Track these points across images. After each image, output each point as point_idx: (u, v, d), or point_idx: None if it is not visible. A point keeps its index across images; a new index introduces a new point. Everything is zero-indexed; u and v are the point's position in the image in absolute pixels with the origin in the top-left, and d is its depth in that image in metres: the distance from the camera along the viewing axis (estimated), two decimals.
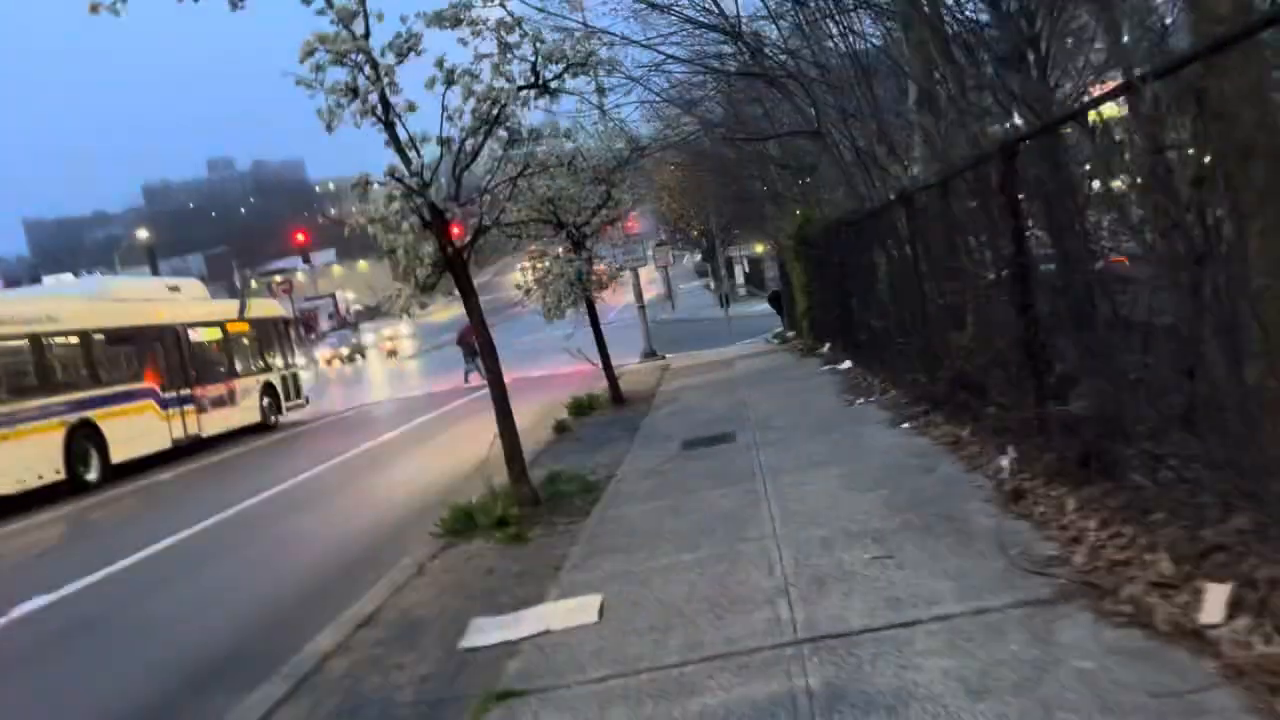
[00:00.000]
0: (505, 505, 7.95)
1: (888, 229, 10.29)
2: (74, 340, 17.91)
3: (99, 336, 18.60)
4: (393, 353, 64.54)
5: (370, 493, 12.53)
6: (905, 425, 8.84)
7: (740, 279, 63.14)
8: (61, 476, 16.50)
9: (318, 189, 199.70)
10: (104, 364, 18.74)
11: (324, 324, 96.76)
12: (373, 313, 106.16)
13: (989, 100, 9.06)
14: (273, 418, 24.52)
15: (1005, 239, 5.76)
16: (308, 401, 27.02)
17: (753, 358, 20.20)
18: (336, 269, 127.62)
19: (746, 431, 10.45)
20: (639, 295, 26.76)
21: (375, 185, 7.82)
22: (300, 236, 46.64)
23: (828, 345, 17.05)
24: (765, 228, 31.06)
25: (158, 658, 6.74)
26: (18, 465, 15.52)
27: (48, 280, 21.30)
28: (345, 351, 67.86)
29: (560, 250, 15.31)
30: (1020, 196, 5.58)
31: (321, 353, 67.99)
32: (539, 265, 15.34)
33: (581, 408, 15.02)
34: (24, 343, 16.56)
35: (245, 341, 24.34)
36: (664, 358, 25.55)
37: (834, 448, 8.67)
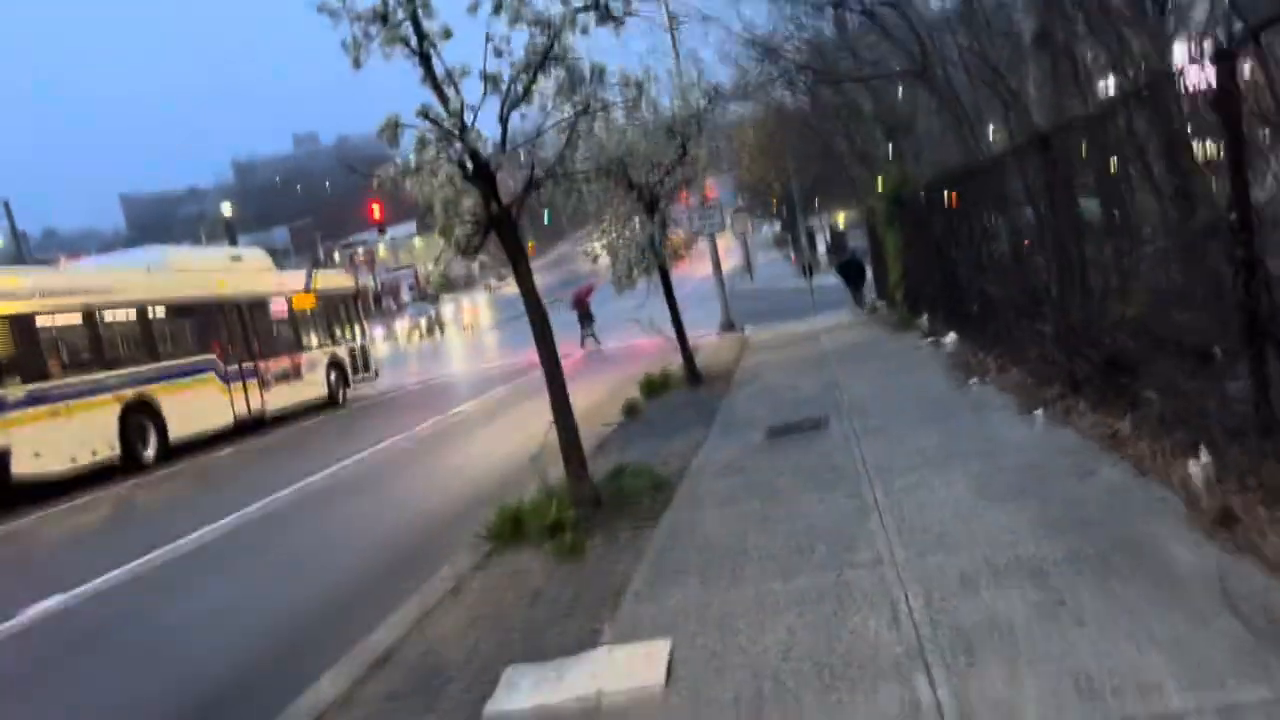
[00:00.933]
0: (560, 509, 6.73)
1: (1012, 182, 8.74)
2: (130, 313, 17.25)
3: (157, 309, 17.94)
4: (470, 325, 64.13)
5: (427, 477, 11.49)
6: (1038, 413, 7.36)
7: (822, 248, 61.11)
8: (116, 455, 15.87)
9: (399, 162, 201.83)
10: (163, 337, 18.10)
11: (405, 296, 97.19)
12: (453, 285, 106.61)
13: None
14: (340, 393, 23.81)
15: (1214, 175, 4.28)
16: (377, 375, 26.30)
17: (840, 331, 18.68)
18: (417, 241, 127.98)
19: (841, 418, 9.07)
20: (716, 264, 25.33)
21: (406, 128, 6.61)
22: (375, 210, 45.92)
23: (925, 317, 15.46)
24: (851, 192, 29.30)
25: (149, 690, 5.71)
26: (70, 443, 14.89)
27: (133, 253, 20.66)
28: (424, 324, 67.72)
29: (632, 214, 14.01)
30: (1240, 115, 4.09)
31: (401, 325, 68.03)
32: (609, 230, 14.06)
33: (654, 386, 13.75)
34: (77, 315, 15.93)
35: (312, 314, 23.62)
36: (743, 331, 24.14)
37: (951, 440, 7.24)
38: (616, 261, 13.81)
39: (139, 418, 16.59)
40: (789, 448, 8.18)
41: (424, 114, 6.56)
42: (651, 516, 6.75)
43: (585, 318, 26.77)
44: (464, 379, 26.21)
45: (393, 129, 6.68)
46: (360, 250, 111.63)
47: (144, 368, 17.07)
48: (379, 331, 66.35)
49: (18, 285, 14.95)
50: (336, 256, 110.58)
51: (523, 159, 7.51)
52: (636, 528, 6.54)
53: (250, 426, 19.78)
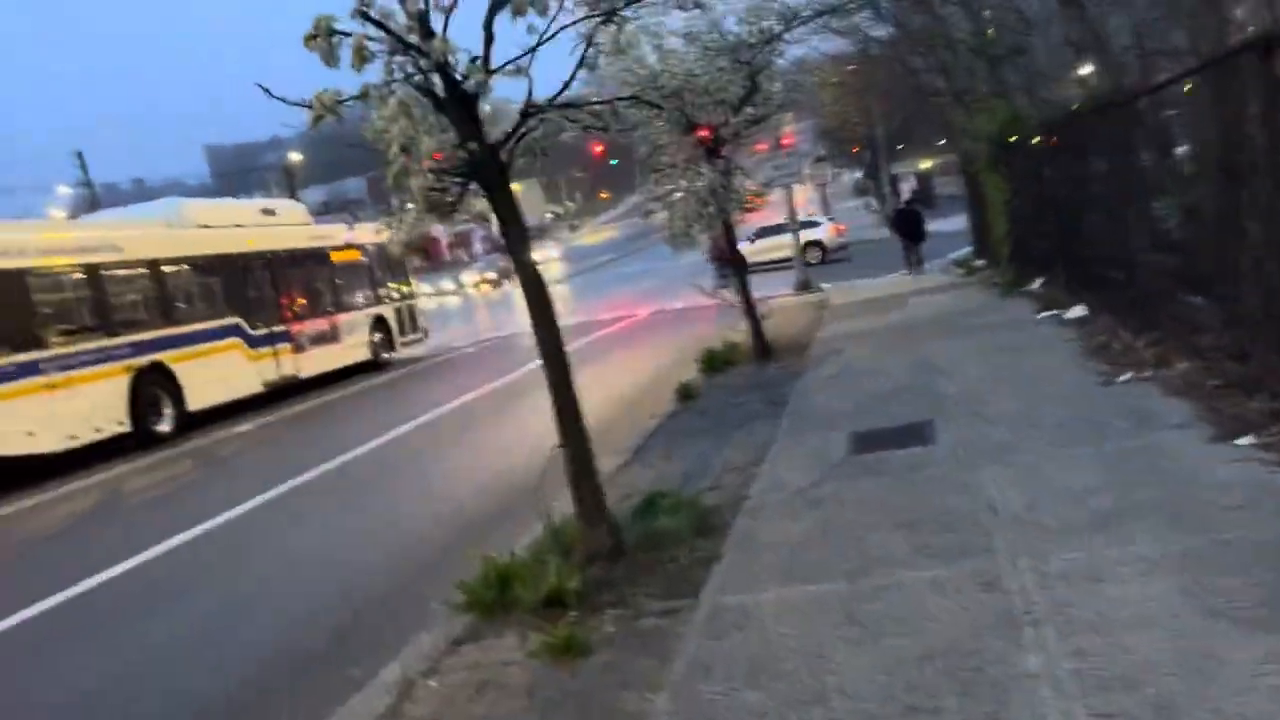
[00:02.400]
0: (561, 573, 4.79)
1: (1192, 112, 6.43)
2: (142, 272, 15.74)
3: (173, 267, 16.40)
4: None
5: (449, 471, 9.73)
6: (1246, 441, 5.16)
7: (907, 197, 57.79)
8: (126, 428, 14.46)
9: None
10: (181, 299, 16.61)
11: (476, 247, 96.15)
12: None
13: None
14: (384, 355, 22.25)
15: None
16: (426, 335, 24.69)
17: (932, 294, 16.33)
18: None
19: (950, 421, 6.95)
20: (793, 219, 22.99)
21: (338, 38, 4.63)
22: (437, 157, 44.31)
23: (1039, 282, 13.10)
24: (943, 136, 26.50)
25: None
26: (69, 418, 13.48)
27: (151, 206, 19.01)
28: (492, 276, 66.30)
29: (691, 161, 11.87)
30: None
31: (469, 277, 66.75)
32: (663, 179, 11.97)
33: (715, 362, 11.69)
34: (79, 275, 14.44)
35: (354, 270, 22.01)
36: (821, 289, 21.87)
37: (1122, 478, 5.08)
38: (673, 216, 11.76)
39: (152, 388, 15.14)
40: (882, 471, 6.09)
41: (363, 11, 4.58)
42: (689, 584, 4.78)
43: (723, 269, 24.24)
44: (525, 338, 24.40)
45: (325, 37, 4.70)
46: None
47: (159, 333, 15.59)
48: (447, 284, 65.33)
49: (7, 242, 13.45)
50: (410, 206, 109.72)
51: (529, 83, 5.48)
52: (667, 608, 4.57)
53: (283, 393, 18.32)
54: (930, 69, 21.01)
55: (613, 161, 41.75)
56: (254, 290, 18.25)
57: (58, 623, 6.67)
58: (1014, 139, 14.04)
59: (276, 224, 19.76)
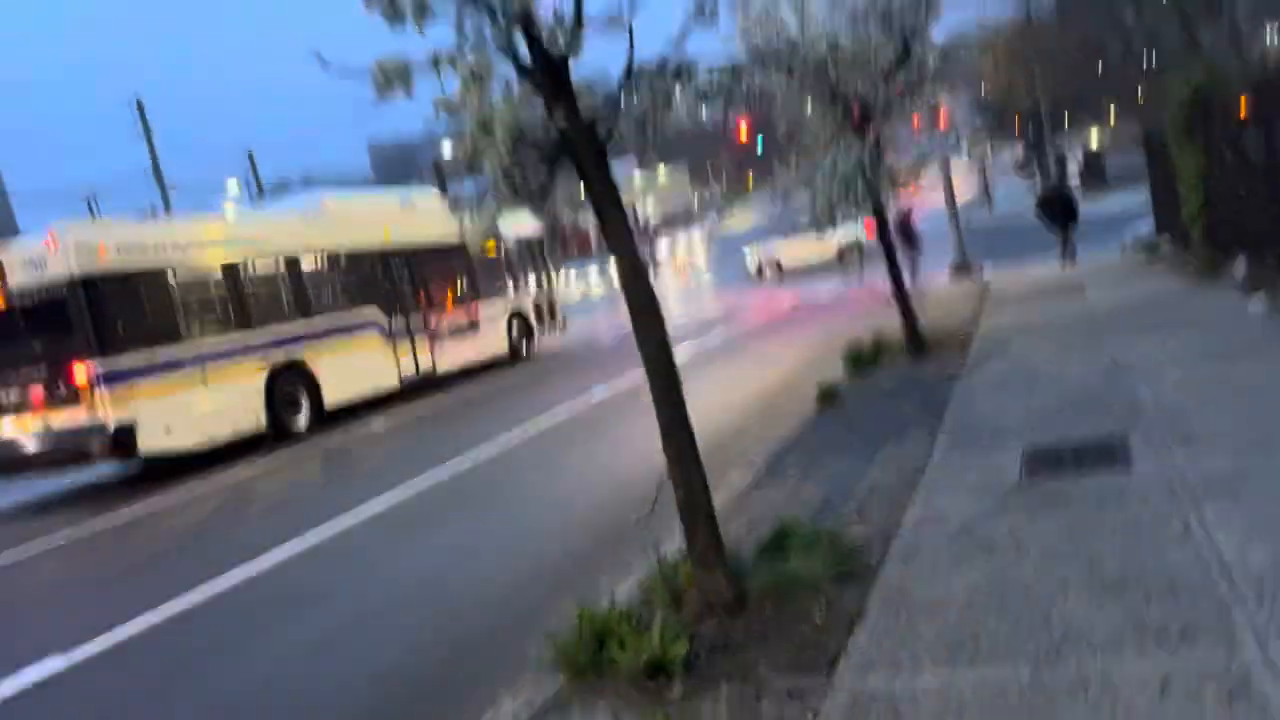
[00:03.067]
0: (666, 637, 3.93)
1: None
2: (279, 265, 15.74)
3: (311, 260, 16.36)
4: (684, 266, 61.71)
5: (578, 475, 9.02)
6: None
7: (1074, 173, 54.12)
8: (263, 427, 14.46)
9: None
10: (318, 292, 16.56)
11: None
12: (672, 222, 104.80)
13: None
14: (524, 347, 21.92)
15: None
16: (565, 326, 24.24)
17: (1109, 278, 14.65)
18: (637, 176, 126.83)
19: (1149, 441, 5.72)
20: (950, 196, 21.37)
21: None
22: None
23: (1242, 263, 11.38)
24: (1116, 106, 24.19)
25: None
26: (206, 414, 13.53)
27: (289, 200, 19.32)
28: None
29: (836, 136, 10.77)
30: None
31: (613, 267, 66.57)
32: (805, 155, 10.92)
33: (862, 359, 10.59)
34: (215, 270, 14.48)
35: (492, 262, 21.74)
36: (980, 270, 20.23)
37: None
38: (816, 195, 10.72)
39: (289, 383, 15.12)
40: (1068, 504, 4.97)
41: None
42: (823, 653, 3.85)
43: (912, 242, 22.78)
44: (679, 324, 23.74)
45: None
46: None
47: (296, 326, 15.56)
48: (592, 273, 65.31)
49: (144, 238, 13.57)
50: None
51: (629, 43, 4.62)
52: (794, 686, 3.66)
53: (419, 387, 18.16)
54: (1108, 29, 19.01)
55: (759, 140, 40.21)
56: (391, 282, 18.11)
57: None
58: (1211, 103, 12.27)
59: (413, 215, 19.59)
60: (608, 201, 4.43)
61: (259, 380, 14.53)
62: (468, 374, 19.59)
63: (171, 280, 13.64)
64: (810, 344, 14.95)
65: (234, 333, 14.41)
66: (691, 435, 4.49)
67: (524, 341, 22.05)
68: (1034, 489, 5.34)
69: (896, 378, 9.69)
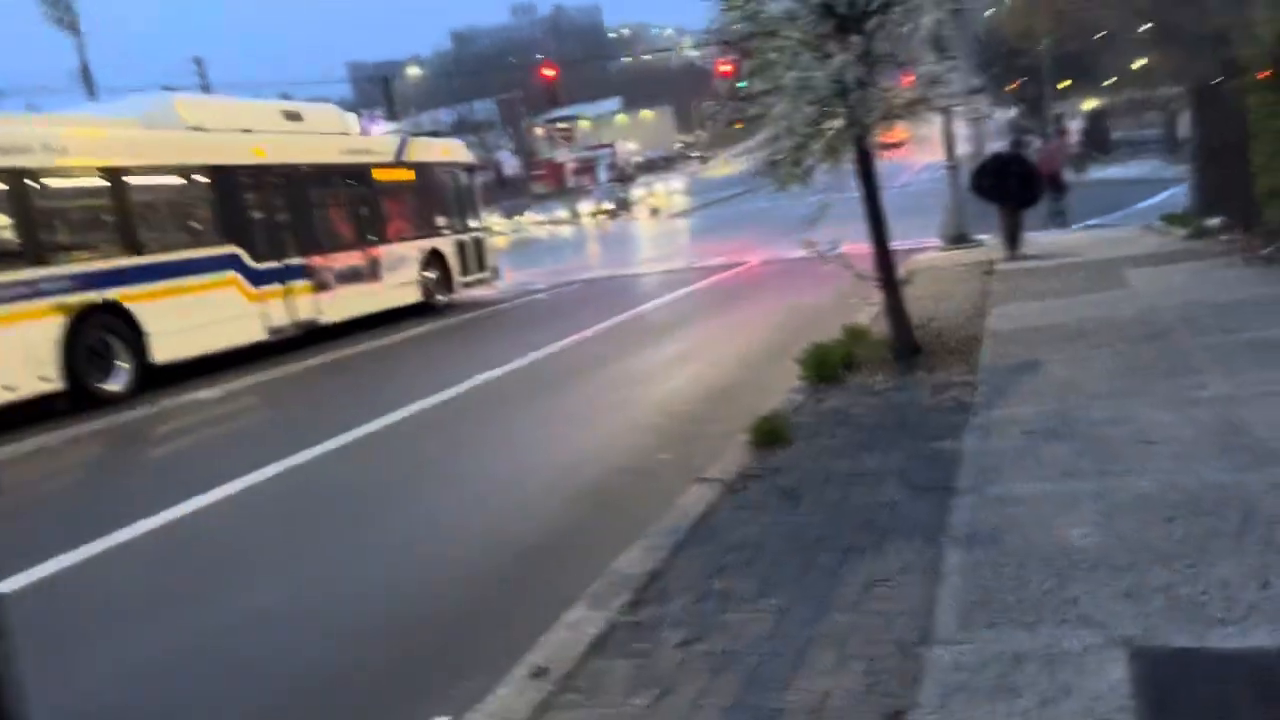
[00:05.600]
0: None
1: None
2: (95, 183, 12.26)
3: (142, 178, 12.86)
4: (655, 210, 57.97)
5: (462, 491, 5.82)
6: None
7: (1074, 138, 50.68)
8: (55, 386, 11.13)
9: (611, 35, 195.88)
10: (152, 220, 13.13)
11: (602, 176, 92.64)
12: (652, 165, 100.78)
13: None
14: (439, 297, 18.58)
15: None
16: (495, 274, 20.90)
17: (1156, 263, 11.46)
18: (621, 118, 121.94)
19: None
20: (950, 148, 18.06)
21: None
22: (548, 72, 40.33)
23: None
24: (1124, 68, 20.88)
25: None
26: None
27: (131, 100, 15.06)
28: (609, 206, 62.30)
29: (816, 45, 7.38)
30: None
31: (585, 206, 62.89)
32: (764, 72, 7.56)
33: (827, 364, 7.32)
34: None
35: (404, 194, 18.30)
36: (980, 243, 17.02)
37: None
38: (777, 133, 7.53)
39: (99, 333, 11.77)
40: None
41: None
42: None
43: (1058, 189, 19.34)
44: (621, 281, 20.50)
45: None
46: (561, 125, 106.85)
47: (115, 263, 12.17)
48: (562, 213, 61.51)
49: None
50: (539, 131, 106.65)
51: None
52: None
53: (297, 341, 14.88)
54: None
55: (741, 85, 36.79)
56: (262, 213, 14.68)
57: None
58: None
59: (301, 131, 16.08)
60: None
61: (53, 329, 11.17)
62: (365, 324, 16.31)
63: None
64: (766, 323, 11.75)
65: (21, 264, 10.99)
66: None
67: (441, 289, 18.73)
68: None
69: (875, 403, 6.45)
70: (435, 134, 32.20)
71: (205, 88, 48.84)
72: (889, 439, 5.51)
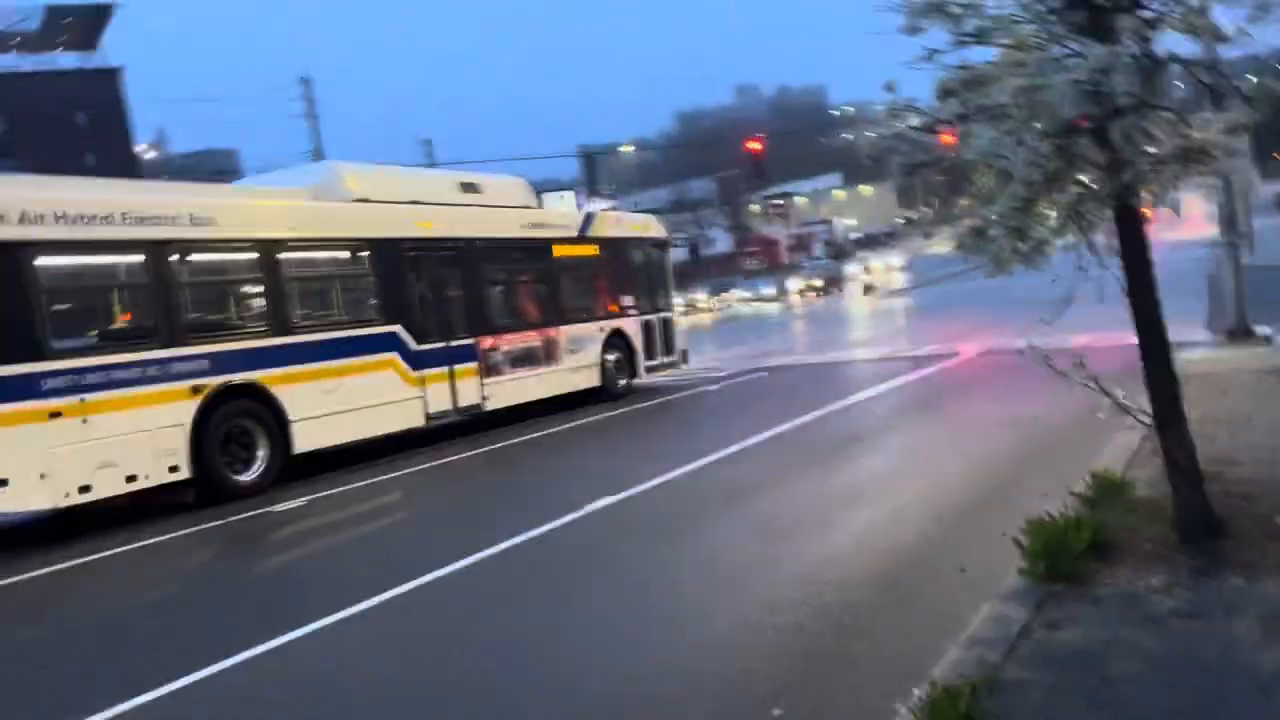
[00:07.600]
0: None
1: None
2: (242, 257, 11.57)
3: (293, 254, 12.06)
4: (868, 288, 55.08)
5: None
6: None
7: None
8: (180, 475, 10.30)
9: (836, 114, 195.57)
10: (301, 297, 12.33)
11: (816, 251, 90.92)
12: (872, 241, 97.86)
13: None
14: (621, 381, 17.14)
15: None
16: (684, 358, 19.28)
17: None
18: (839, 193, 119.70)
19: None
20: (1230, 220, 14.96)
21: None
22: (754, 145, 39.08)
23: None
24: None
25: None
26: (78, 464, 9.43)
27: (296, 170, 14.74)
28: (819, 282, 60.05)
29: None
30: None
31: (794, 283, 60.94)
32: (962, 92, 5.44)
33: (1065, 557, 4.91)
34: (135, 257, 10.44)
35: (588, 272, 17.10)
36: (1268, 339, 13.83)
37: None
38: (984, 186, 5.47)
39: (237, 419, 10.92)
40: None
41: None
42: None
43: None
44: (808, 370, 18.46)
45: None
46: (777, 200, 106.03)
47: (261, 342, 11.39)
48: (768, 290, 59.61)
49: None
50: (755, 207, 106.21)
51: None
52: None
53: (464, 428, 13.83)
54: None
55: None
56: (427, 290, 13.71)
57: None
58: None
59: (476, 204, 15.13)
60: None
61: (187, 410, 10.38)
62: (538, 408, 15.06)
63: (44, 263, 9.56)
64: (973, 450, 9.19)
65: (152, 347, 10.29)
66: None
67: (623, 373, 17.28)
68: None
69: (1155, 646, 3.98)
70: (655, 212, 31.48)
71: (431, 166, 50.97)
72: None
